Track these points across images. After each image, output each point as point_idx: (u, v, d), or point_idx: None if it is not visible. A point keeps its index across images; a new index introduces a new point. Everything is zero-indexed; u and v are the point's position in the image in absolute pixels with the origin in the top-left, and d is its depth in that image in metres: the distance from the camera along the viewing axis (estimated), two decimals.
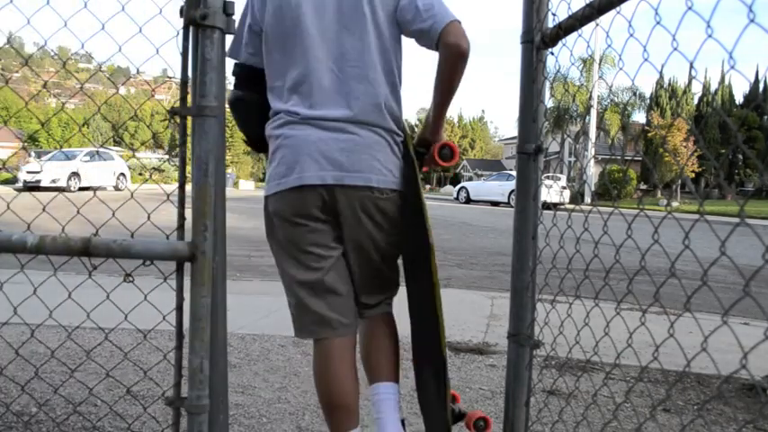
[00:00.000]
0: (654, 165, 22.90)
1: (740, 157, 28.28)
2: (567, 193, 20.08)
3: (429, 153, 1.58)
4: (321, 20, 1.43)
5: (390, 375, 1.63)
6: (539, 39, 1.42)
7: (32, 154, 24.13)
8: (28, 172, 18.58)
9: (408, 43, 1.54)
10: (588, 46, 1.47)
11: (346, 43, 1.43)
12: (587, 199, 22.02)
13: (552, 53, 1.44)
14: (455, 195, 26.50)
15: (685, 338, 1.20)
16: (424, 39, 1.43)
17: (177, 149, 1.25)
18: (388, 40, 1.46)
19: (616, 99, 27.67)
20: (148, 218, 1.32)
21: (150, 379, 2.32)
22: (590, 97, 23.20)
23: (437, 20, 1.39)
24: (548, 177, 19.20)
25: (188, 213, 1.21)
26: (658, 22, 1.03)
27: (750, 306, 0.89)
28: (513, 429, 1.51)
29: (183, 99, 1.21)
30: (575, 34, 1.33)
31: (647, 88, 32.61)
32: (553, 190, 17.72)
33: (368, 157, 1.45)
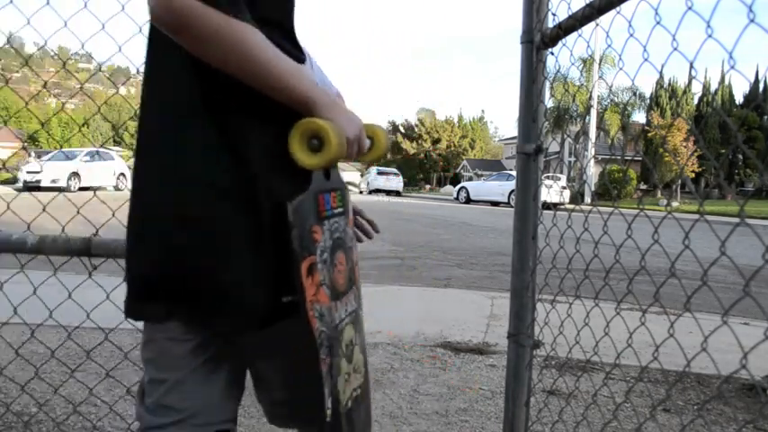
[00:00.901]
0: (654, 165, 22.88)
1: (740, 157, 28.27)
2: (566, 193, 20.08)
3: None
4: None
5: None
6: (539, 39, 1.42)
7: (32, 154, 24.13)
8: (28, 172, 18.57)
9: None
10: (588, 46, 1.47)
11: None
12: (587, 199, 22.02)
13: (552, 53, 1.44)
14: (455, 195, 26.51)
15: (685, 338, 1.20)
16: None
17: None
18: None
19: (616, 99, 27.67)
20: None
21: None
22: (590, 97, 23.20)
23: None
24: (548, 177, 19.20)
25: None
26: (658, 22, 1.03)
27: (750, 306, 0.89)
28: (513, 429, 1.51)
29: None
30: (575, 34, 1.33)
31: (647, 88, 32.62)
32: (553, 190, 17.70)
33: None
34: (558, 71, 1.51)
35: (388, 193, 30.46)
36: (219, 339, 0.89)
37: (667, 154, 21.55)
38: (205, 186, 0.81)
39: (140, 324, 0.90)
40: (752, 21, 0.81)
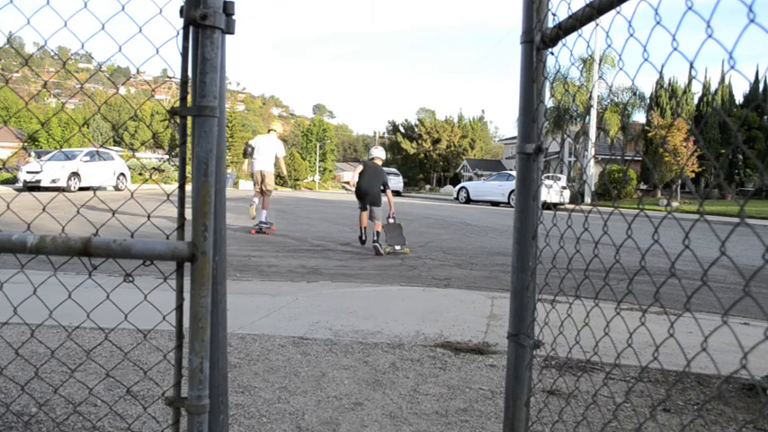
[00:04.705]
0: (654, 165, 22.77)
1: (740, 157, 28.27)
2: (566, 193, 20.09)
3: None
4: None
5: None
6: (539, 39, 1.42)
7: (32, 154, 24.11)
8: (28, 172, 18.57)
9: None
10: (588, 46, 1.47)
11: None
12: (587, 199, 22.03)
13: (552, 53, 1.44)
14: (455, 195, 26.53)
15: (685, 338, 1.20)
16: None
17: (177, 149, 1.25)
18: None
19: (616, 99, 27.66)
20: (148, 218, 1.32)
21: (150, 379, 2.33)
22: (590, 97, 23.20)
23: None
24: (548, 177, 19.23)
25: (188, 213, 1.21)
26: (658, 22, 1.03)
27: (750, 306, 0.89)
28: (513, 429, 1.51)
29: (183, 99, 1.21)
30: (575, 34, 1.33)
31: (647, 88, 32.61)
32: (553, 190, 17.75)
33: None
34: (558, 71, 1.51)
35: None
36: (366, 205, 8.11)
37: (667, 154, 21.55)
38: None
39: (140, 325, 0.90)
40: (752, 21, 0.81)
